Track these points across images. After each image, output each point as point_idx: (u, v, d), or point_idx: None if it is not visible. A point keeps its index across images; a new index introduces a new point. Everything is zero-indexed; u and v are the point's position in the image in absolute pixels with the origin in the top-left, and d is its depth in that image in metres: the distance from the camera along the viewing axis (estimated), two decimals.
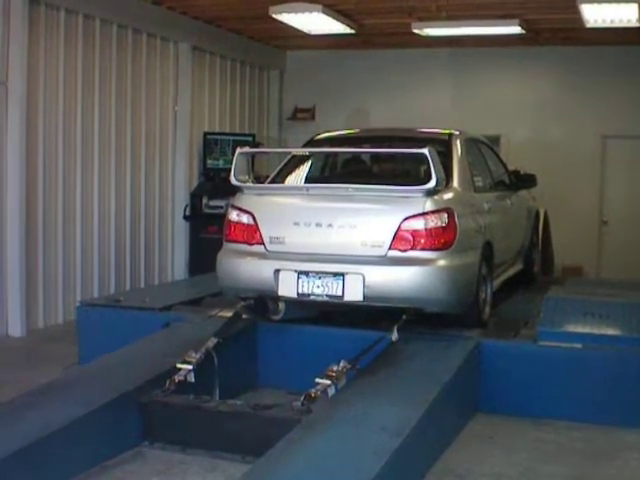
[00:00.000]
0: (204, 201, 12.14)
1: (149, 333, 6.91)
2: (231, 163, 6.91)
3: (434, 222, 6.28)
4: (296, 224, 6.55)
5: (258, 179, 7.44)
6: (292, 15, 10.74)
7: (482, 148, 8.27)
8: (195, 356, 5.95)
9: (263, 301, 6.81)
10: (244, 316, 6.86)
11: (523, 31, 11.25)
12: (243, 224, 6.76)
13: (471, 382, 6.34)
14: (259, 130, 14.19)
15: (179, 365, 5.88)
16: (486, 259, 7.01)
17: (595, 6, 9.58)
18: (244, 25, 12.49)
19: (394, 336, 6.31)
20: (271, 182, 7.33)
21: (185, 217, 12.11)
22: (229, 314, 6.84)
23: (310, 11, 10.45)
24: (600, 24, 10.37)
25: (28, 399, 5.49)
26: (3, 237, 9.10)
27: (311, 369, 5.67)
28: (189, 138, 12.33)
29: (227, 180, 7.02)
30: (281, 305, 6.81)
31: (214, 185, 12.24)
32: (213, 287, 7.80)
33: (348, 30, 11.50)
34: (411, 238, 6.27)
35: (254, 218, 6.71)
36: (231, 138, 12.68)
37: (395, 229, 6.28)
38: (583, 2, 9.44)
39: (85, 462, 5.09)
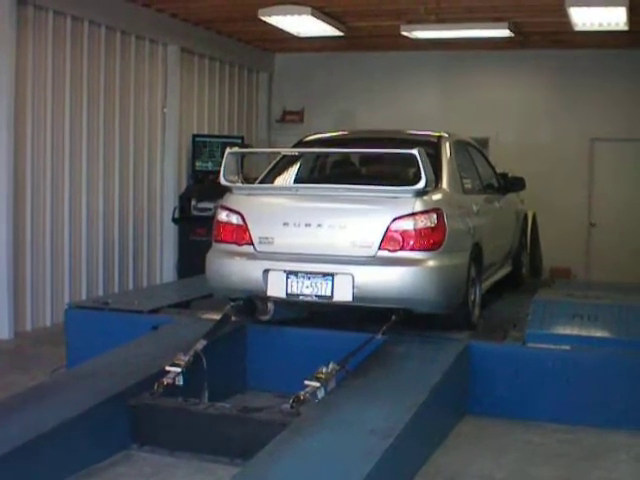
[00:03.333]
0: (193, 203, 12.10)
1: (138, 336, 6.89)
2: (220, 165, 6.91)
3: (423, 222, 6.29)
4: (285, 224, 6.55)
5: (247, 180, 7.42)
6: (281, 17, 10.73)
7: (471, 150, 8.28)
8: (184, 359, 5.93)
9: (252, 302, 6.80)
10: (233, 318, 6.83)
11: (512, 34, 11.27)
12: (232, 224, 6.75)
13: (460, 384, 6.34)
14: (248, 132, 14.19)
15: (168, 368, 5.86)
16: (475, 260, 7.01)
17: (584, 9, 9.62)
18: (233, 27, 12.49)
19: (382, 337, 6.31)
20: (260, 182, 7.32)
21: (174, 219, 12.08)
22: (218, 316, 6.82)
23: (299, 13, 10.46)
24: (589, 27, 10.41)
25: (16, 402, 5.46)
26: None
27: (300, 371, 5.66)
28: (178, 140, 12.31)
29: (216, 182, 7.01)
30: (270, 305, 6.80)
31: (203, 187, 12.21)
32: (202, 289, 7.80)
33: (337, 32, 11.51)
34: (400, 238, 6.28)
35: (243, 218, 6.70)
36: (220, 140, 12.67)
37: (384, 229, 6.29)
38: (572, 5, 9.47)
39: (73, 465, 5.06)
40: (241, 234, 6.70)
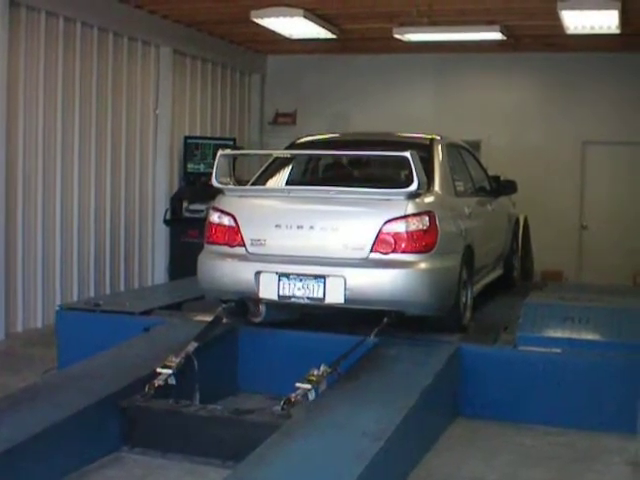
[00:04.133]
0: (184, 205, 12.08)
1: (129, 337, 6.87)
2: (212, 167, 6.90)
3: (415, 225, 6.30)
4: (277, 226, 6.55)
5: (239, 182, 7.41)
6: (273, 19, 10.73)
7: (463, 153, 8.30)
8: (175, 360, 5.92)
9: (244, 303, 6.79)
10: (225, 320, 6.83)
11: (504, 37, 11.30)
12: (224, 226, 6.75)
13: (451, 387, 6.34)
14: (240, 134, 14.18)
15: (159, 369, 5.85)
16: (467, 263, 7.02)
17: (576, 13, 9.65)
18: (225, 29, 12.47)
19: (374, 339, 6.31)
20: (253, 184, 7.31)
21: (165, 221, 12.05)
22: (209, 318, 6.82)
23: (291, 15, 10.45)
24: (580, 31, 10.45)
25: (6, 403, 5.44)
26: None
27: (291, 373, 5.67)
28: (170, 142, 12.29)
29: (208, 184, 7.00)
30: (262, 307, 6.79)
31: (194, 189, 12.20)
32: (193, 291, 7.79)
33: (329, 35, 11.51)
34: (392, 241, 6.28)
35: (235, 220, 6.70)
36: (212, 142, 12.65)
37: (377, 232, 6.30)
38: (564, 9, 9.49)
39: (64, 467, 5.05)
40: (233, 236, 6.70)
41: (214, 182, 6.81)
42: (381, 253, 6.31)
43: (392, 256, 6.29)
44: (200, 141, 12.73)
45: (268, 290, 6.55)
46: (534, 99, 13.56)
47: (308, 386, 5.51)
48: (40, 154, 9.72)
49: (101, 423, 5.41)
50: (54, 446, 4.97)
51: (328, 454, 4.59)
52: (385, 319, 6.42)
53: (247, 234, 6.64)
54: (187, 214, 12.02)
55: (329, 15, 11.00)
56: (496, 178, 8.94)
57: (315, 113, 14.04)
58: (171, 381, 5.81)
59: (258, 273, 6.56)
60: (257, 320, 6.87)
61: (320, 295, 6.41)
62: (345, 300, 6.35)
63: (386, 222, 6.30)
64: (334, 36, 11.63)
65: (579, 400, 6.23)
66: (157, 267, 12.22)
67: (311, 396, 5.48)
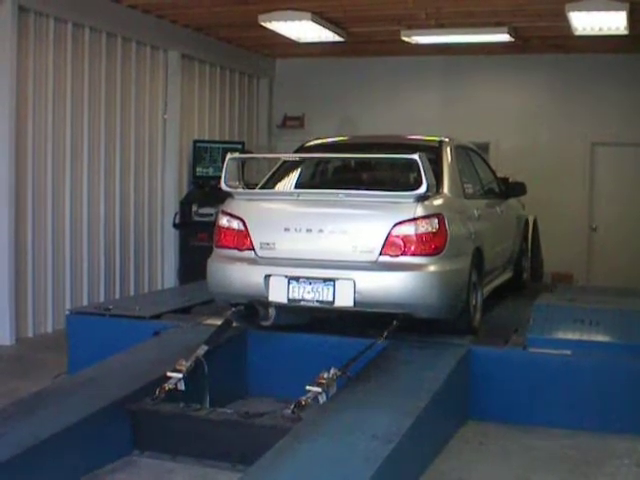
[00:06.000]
0: (194, 209, 12.12)
1: (139, 341, 6.88)
2: (221, 171, 6.92)
3: (425, 228, 6.29)
4: (286, 230, 6.55)
5: (248, 186, 7.42)
6: (281, 23, 10.76)
7: (472, 155, 8.28)
8: (185, 364, 5.92)
9: (253, 307, 6.79)
10: (234, 324, 6.83)
11: (512, 39, 11.30)
12: (233, 230, 6.75)
13: (462, 389, 6.33)
14: (249, 138, 14.20)
15: (169, 373, 5.86)
16: (476, 265, 7.01)
17: (584, 14, 9.63)
18: (233, 33, 12.50)
19: (384, 342, 6.31)
20: (262, 188, 7.32)
21: (175, 225, 12.08)
22: (219, 322, 6.82)
23: (299, 19, 10.48)
24: (589, 32, 10.43)
25: (18, 408, 5.46)
26: None
27: (301, 377, 5.67)
28: (179, 146, 12.32)
29: (217, 188, 7.00)
30: (271, 311, 6.78)
31: (204, 193, 12.23)
32: (203, 295, 7.81)
33: (337, 38, 11.52)
34: (402, 243, 6.28)
35: (244, 224, 6.70)
36: (221, 146, 12.67)
37: (386, 235, 6.29)
38: (572, 10, 9.48)
39: (75, 471, 5.06)
40: (242, 239, 6.70)
41: (223, 186, 6.82)
42: (390, 256, 6.30)
43: (401, 259, 6.29)
44: (209, 145, 12.76)
45: (278, 293, 6.55)
46: (542, 100, 13.53)
47: (318, 389, 5.51)
48: (49, 159, 9.76)
49: (112, 427, 5.42)
50: (65, 450, 4.98)
51: (338, 457, 4.58)
52: (395, 322, 6.42)
53: (256, 238, 6.65)
54: (196, 218, 12.04)
55: (337, 18, 11.01)
56: (505, 180, 8.93)
57: (323, 116, 14.06)
58: (181, 385, 5.81)
59: (267, 277, 6.57)
60: (267, 323, 6.86)
61: (329, 298, 6.41)
62: (354, 303, 6.35)
63: (395, 225, 6.29)
64: (342, 39, 11.64)
65: (589, 402, 6.21)
66: (167, 271, 12.25)
67: (321, 399, 5.48)
